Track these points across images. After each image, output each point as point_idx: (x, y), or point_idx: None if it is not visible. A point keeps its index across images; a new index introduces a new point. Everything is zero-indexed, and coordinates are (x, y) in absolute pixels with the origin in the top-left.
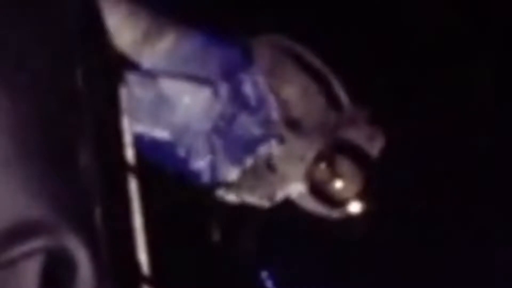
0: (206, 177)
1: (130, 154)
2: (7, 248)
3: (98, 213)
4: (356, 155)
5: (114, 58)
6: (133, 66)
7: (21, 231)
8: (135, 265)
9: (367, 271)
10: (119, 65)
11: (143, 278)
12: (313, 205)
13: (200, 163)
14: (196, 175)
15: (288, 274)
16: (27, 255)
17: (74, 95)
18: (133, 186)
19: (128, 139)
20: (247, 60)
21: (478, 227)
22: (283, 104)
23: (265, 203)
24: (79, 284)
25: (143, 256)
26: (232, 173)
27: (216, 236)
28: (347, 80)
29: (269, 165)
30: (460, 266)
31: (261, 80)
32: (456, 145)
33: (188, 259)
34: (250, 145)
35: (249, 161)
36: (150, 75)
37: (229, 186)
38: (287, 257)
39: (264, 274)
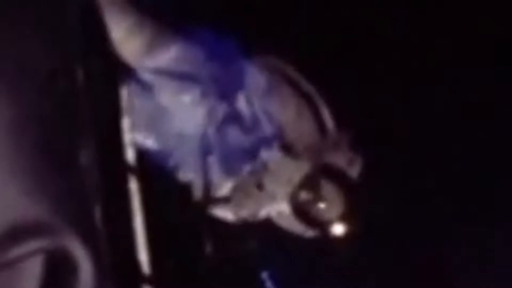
0: (197, 190)
1: (130, 154)
2: (7, 249)
3: (98, 213)
4: (339, 178)
5: (115, 60)
6: (134, 76)
7: (21, 232)
8: (136, 265)
9: (366, 271)
10: (120, 67)
11: (143, 278)
12: (290, 224)
13: (190, 175)
14: (186, 186)
15: (288, 274)
16: (27, 256)
17: (74, 95)
18: (133, 186)
19: (128, 139)
20: (244, 81)
21: (461, 245)
22: (277, 126)
23: (248, 219)
24: (80, 284)
25: (143, 256)
26: (223, 188)
27: (207, 245)
28: (331, 105)
29: (258, 184)
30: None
31: (256, 101)
32: (439, 165)
33: (188, 259)
34: (242, 162)
35: (240, 178)
36: (149, 86)
37: (219, 200)
38: (287, 257)
39: (264, 274)
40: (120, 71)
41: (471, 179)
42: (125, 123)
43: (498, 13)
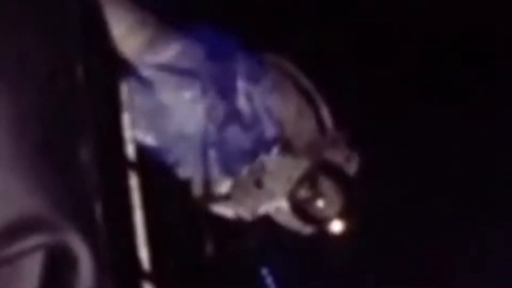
0: (197, 188)
1: (130, 150)
2: (7, 246)
3: (98, 209)
4: (337, 175)
5: (115, 56)
6: (134, 72)
7: (21, 228)
8: (136, 261)
9: (365, 268)
10: (120, 64)
11: (143, 275)
12: (289, 221)
13: (190, 172)
14: (186, 183)
15: (288, 271)
16: (28, 252)
17: (74, 93)
18: (133, 182)
19: (128, 136)
20: (245, 78)
21: (461, 244)
22: (277, 124)
23: (247, 216)
24: (80, 280)
25: (143, 253)
26: (222, 185)
27: (208, 245)
28: (330, 103)
29: (257, 182)
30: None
31: (257, 99)
32: (439, 164)
33: (188, 256)
34: (241, 160)
35: (239, 176)
36: (149, 83)
37: (218, 198)
38: (286, 254)
39: (264, 271)
40: (120, 68)
41: (471, 179)
42: (125, 119)
43: (498, 13)
